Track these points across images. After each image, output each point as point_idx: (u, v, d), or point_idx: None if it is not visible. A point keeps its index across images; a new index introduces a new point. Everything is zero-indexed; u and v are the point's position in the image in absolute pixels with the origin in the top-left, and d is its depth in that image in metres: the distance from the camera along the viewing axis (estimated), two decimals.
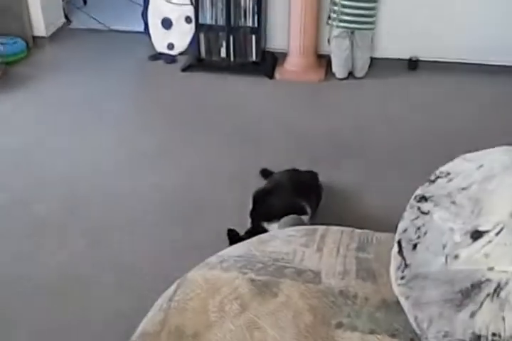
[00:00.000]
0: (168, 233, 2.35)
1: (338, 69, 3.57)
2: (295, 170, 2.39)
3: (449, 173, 1.19)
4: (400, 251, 1.14)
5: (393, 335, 1.12)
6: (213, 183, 2.66)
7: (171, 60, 3.79)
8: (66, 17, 4.22)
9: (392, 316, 1.18)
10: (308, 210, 2.13)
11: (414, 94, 3.47)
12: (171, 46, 3.82)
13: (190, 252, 2.22)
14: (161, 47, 3.84)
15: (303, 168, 2.70)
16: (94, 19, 4.33)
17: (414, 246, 1.13)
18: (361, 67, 3.58)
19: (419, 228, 1.14)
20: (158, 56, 3.82)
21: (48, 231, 2.38)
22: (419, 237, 1.13)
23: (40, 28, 3.91)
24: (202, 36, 3.65)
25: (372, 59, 3.65)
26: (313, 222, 2.24)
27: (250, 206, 2.19)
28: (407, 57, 3.70)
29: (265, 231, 2.02)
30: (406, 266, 1.12)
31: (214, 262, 1.34)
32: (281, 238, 1.42)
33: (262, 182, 2.53)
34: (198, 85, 3.56)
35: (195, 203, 2.53)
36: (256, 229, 2.03)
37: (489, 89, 3.51)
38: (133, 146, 2.97)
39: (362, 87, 3.53)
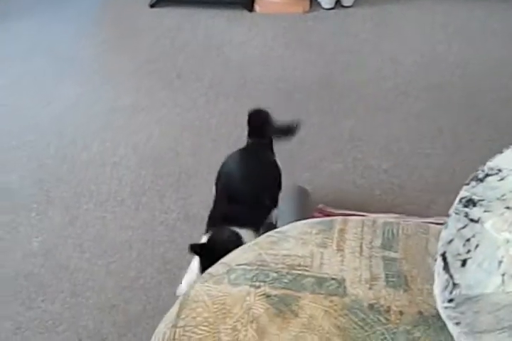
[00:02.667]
0: (157, 204, 2.14)
1: None
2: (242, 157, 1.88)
3: (500, 170, 0.98)
4: (446, 268, 0.96)
5: None
6: (196, 144, 2.41)
7: None
8: None
9: (432, 335, 1.02)
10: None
11: (411, 24, 3.15)
12: None
13: (183, 225, 2.04)
14: None
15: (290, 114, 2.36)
16: None
17: (464, 263, 0.94)
18: None
19: (468, 240, 0.95)
20: None
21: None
22: (469, 251, 0.95)
23: None
24: None
25: None
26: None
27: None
28: None
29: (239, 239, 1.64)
30: (454, 286, 0.94)
31: (219, 273, 1.15)
32: (294, 237, 1.23)
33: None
34: (169, 23, 3.20)
35: (180, 168, 2.29)
36: (219, 235, 1.65)
37: None
38: (98, 101, 2.66)
39: (352, 18, 3.21)
